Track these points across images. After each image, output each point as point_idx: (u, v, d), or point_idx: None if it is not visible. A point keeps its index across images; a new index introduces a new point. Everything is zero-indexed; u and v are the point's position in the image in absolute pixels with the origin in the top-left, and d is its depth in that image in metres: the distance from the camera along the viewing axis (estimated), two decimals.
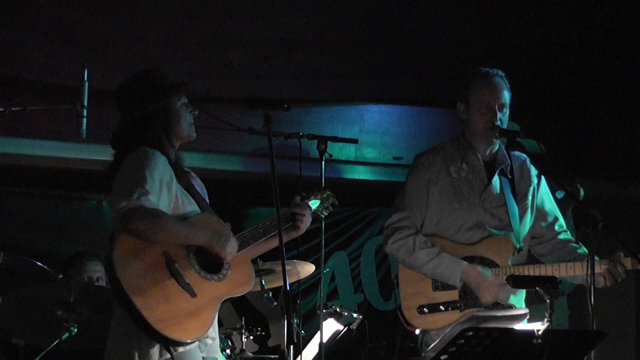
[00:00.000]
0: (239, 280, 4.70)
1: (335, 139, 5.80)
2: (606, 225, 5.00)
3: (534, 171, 5.82)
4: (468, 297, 5.56)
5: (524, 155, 5.79)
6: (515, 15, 7.52)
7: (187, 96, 4.91)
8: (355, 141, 6.38)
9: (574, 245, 5.77)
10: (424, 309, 5.56)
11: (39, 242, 8.14)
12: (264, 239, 4.89)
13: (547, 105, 9.14)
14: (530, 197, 5.77)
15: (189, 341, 4.49)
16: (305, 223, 5.08)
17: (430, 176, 5.69)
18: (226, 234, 4.66)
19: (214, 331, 4.71)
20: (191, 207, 4.73)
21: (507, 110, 5.65)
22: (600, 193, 9.12)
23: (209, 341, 4.68)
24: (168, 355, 4.48)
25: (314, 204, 5.19)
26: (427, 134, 9.33)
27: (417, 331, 5.64)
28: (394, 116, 9.39)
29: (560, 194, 5.66)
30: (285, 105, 4.70)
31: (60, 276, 6.92)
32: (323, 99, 9.01)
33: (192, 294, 4.50)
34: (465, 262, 5.55)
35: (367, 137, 9.22)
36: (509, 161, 5.75)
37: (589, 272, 5.00)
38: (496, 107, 5.60)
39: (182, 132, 4.83)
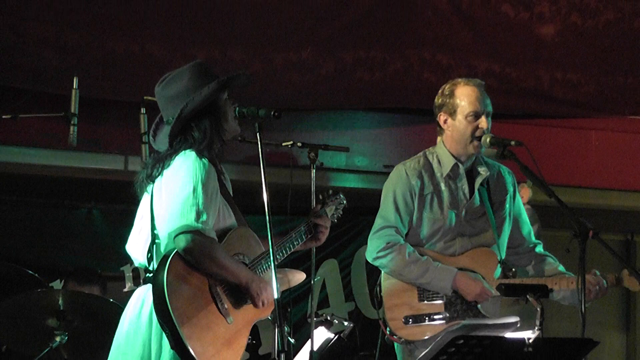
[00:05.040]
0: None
1: (326, 147, 5.80)
2: (597, 234, 5.00)
3: (509, 179, 5.84)
4: (453, 308, 5.57)
5: (497, 163, 5.82)
6: (508, 21, 7.54)
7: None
8: (346, 149, 6.39)
9: (551, 260, 5.81)
10: (410, 320, 5.56)
11: (29, 250, 8.12)
12: (290, 252, 5.03)
13: (536, 113, 9.15)
14: (507, 206, 5.80)
15: None
16: (326, 234, 5.15)
17: (415, 187, 5.69)
18: (264, 279, 4.70)
19: None
20: (231, 220, 4.73)
21: (489, 119, 5.67)
22: (587, 200, 9.17)
23: None
24: None
25: (330, 210, 5.22)
26: (418, 142, 9.32)
27: (401, 340, 5.62)
28: (385, 124, 9.39)
29: None
30: (276, 114, 4.70)
31: (57, 282, 6.91)
32: (314, 107, 9.00)
33: (228, 320, 4.54)
34: (457, 271, 5.56)
35: (358, 145, 9.21)
36: (489, 171, 5.77)
37: (580, 279, 5.00)
38: (484, 114, 5.62)
39: (230, 126, 4.78)
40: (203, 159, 4.58)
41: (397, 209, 5.70)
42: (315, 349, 6.17)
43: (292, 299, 6.67)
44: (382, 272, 5.74)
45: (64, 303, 6.01)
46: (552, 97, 8.91)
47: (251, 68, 7.98)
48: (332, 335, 6.87)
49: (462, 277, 5.56)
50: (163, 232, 4.52)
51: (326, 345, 6.83)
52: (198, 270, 4.48)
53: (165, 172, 4.61)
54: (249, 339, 7.06)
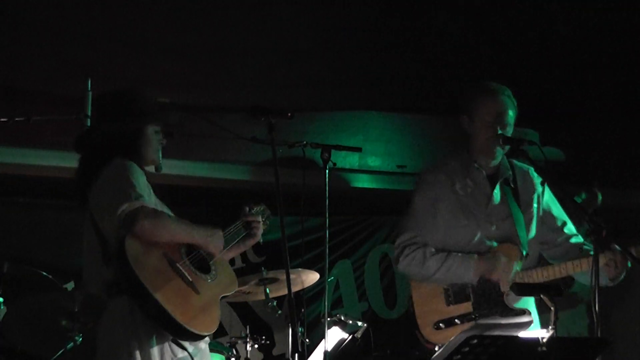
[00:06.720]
0: (226, 281, 4.92)
1: (339, 148, 5.79)
2: (610, 233, 5.00)
3: (537, 179, 5.82)
4: (482, 307, 5.56)
5: (527, 165, 5.81)
6: (521, 22, 7.52)
7: (163, 123, 5.05)
8: (359, 149, 6.38)
9: (587, 247, 5.76)
10: (441, 325, 5.56)
11: (42, 252, 8.14)
12: (234, 242, 5.10)
13: (554, 114, 9.14)
14: (535, 205, 5.77)
15: (205, 334, 4.64)
16: (261, 230, 5.24)
17: (436, 194, 5.68)
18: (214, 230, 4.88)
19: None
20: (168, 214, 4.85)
21: (510, 129, 5.64)
22: (606, 201, 9.13)
23: (202, 345, 4.74)
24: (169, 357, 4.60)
25: (257, 213, 5.30)
26: (431, 143, 9.33)
27: (437, 347, 5.59)
28: (397, 125, 9.39)
29: (579, 199, 5.67)
30: (289, 114, 4.72)
31: (71, 283, 6.92)
32: (327, 108, 9.02)
33: (197, 291, 4.66)
34: (476, 256, 5.55)
35: (370, 145, 9.22)
36: (510, 172, 5.76)
37: (593, 278, 4.99)
38: (499, 128, 5.59)
39: (148, 156, 4.95)
40: (128, 161, 4.75)
41: (417, 218, 5.70)
42: (329, 349, 6.18)
43: (305, 300, 6.67)
44: (410, 283, 5.71)
45: (79, 305, 6.03)
46: None
47: (264, 68, 8.00)
48: (345, 336, 6.88)
49: (482, 261, 5.56)
50: (109, 225, 4.61)
51: (340, 346, 6.84)
52: (153, 249, 4.60)
53: (94, 186, 4.74)
54: (262, 340, 7.13)
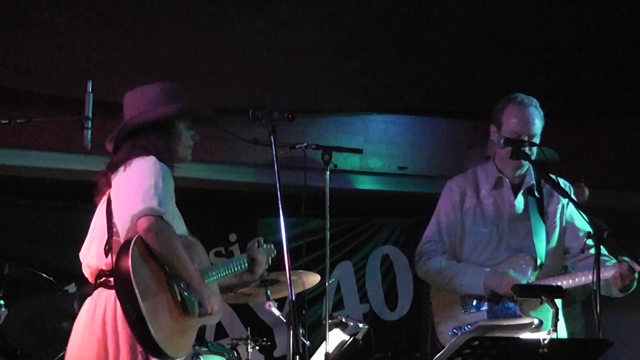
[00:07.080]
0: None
1: (339, 149, 5.80)
2: (612, 234, 4.99)
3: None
4: (497, 315, 5.58)
5: (554, 176, 5.82)
6: (522, 24, 7.52)
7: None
8: (360, 151, 6.39)
9: (604, 258, 5.77)
10: (455, 331, 5.61)
11: (44, 253, 8.14)
12: (234, 273, 5.12)
13: (553, 113, 9.13)
14: (558, 215, 5.81)
15: (173, 357, 4.55)
16: (262, 268, 5.25)
17: (459, 202, 5.79)
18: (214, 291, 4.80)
19: None
20: (182, 227, 4.83)
21: (536, 140, 5.66)
22: (607, 202, 9.12)
23: None
24: None
25: (265, 252, 5.30)
26: (432, 144, 9.32)
27: None
28: (398, 126, 9.39)
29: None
30: (290, 116, 4.72)
31: (72, 285, 6.91)
32: (327, 109, 9.01)
33: (181, 312, 4.61)
34: (487, 270, 5.58)
35: (371, 147, 9.22)
36: (533, 181, 5.78)
37: (595, 279, 4.99)
38: (525, 137, 5.61)
39: (178, 152, 4.90)
40: (162, 163, 4.69)
41: (439, 224, 5.83)
42: (330, 351, 6.17)
43: (306, 301, 6.67)
44: (430, 290, 5.85)
45: (79, 306, 6.01)
46: None
47: (265, 69, 8.00)
48: (347, 337, 6.87)
49: (491, 276, 5.58)
50: (124, 218, 4.59)
51: (341, 347, 6.83)
52: (156, 259, 4.55)
53: (122, 173, 4.71)
54: (263, 341, 7.12)
